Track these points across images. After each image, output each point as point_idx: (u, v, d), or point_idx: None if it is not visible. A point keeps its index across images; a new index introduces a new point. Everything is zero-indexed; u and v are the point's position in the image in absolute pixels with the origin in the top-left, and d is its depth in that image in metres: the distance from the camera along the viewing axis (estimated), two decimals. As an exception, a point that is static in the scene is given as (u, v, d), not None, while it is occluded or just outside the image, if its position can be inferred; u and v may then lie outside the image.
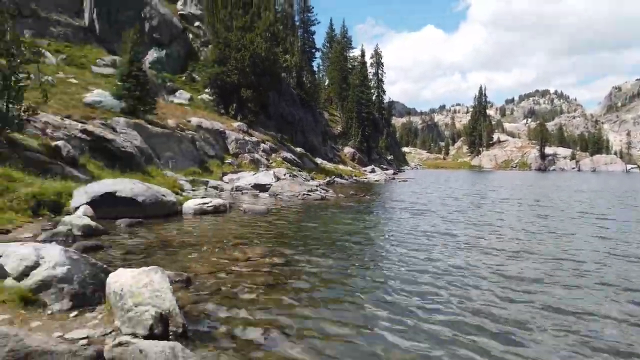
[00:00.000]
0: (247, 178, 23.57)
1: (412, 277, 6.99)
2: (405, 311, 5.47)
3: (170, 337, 4.02)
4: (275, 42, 36.65)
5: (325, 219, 13.71)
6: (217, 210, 13.70)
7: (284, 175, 24.82)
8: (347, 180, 36.51)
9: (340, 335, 4.72)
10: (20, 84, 15.23)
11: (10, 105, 14.93)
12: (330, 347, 4.44)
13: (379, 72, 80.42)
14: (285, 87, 44.15)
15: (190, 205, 13.66)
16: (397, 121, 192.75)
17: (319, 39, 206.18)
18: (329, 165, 42.79)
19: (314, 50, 66.51)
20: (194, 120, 28.73)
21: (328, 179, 32.90)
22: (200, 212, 13.34)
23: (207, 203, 13.87)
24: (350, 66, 71.93)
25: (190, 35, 42.99)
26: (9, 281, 4.86)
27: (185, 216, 13.04)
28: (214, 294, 5.72)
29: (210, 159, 27.08)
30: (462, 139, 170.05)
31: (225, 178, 24.54)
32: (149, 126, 23.70)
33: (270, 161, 31.40)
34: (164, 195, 13.19)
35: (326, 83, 77.87)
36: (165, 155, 23.64)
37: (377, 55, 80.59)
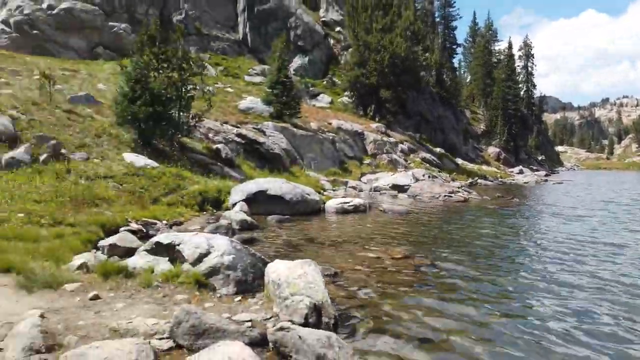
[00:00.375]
0: (385, 179, 23.62)
1: (565, 291, 6.26)
2: (556, 331, 4.88)
3: (322, 327, 4.23)
4: (415, 41, 36.14)
5: (469, 222, 13.11)
6: (357, 210, 13.99)
7: (423, 176, 24.32)
8: (491, 182, 34.38)
9: (485, 348, 4.45)
10: (189, 94, 17.40)
11: (181, 113, 17.16)
12: (477, 357, 4.23)
13: (529, 64, 74.12)
14: (424, 86, 43.27)
15: (332, 204, 14.18)
16: (550, 117, 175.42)
17: (461, 34, 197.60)
18: (470, 166, 40.79)
19: (455, 46, 64.01)
20: (334, 122, 29.73)
21: (470, 180, 31.37)
22: (342, 211, 13.76)
23: (348, 202, 14.25)
24: (495, 60, 67.59)
25: (331, 41, 44.61)
26: (186, 266, 5.59)
27: (327, 214, 13.56)
28: (360, 290, 5.86)
29: (349, 159, 27.78)
30: (630, 136, 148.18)
31: (364, 178, 24.92)
32: (294, 129, 25.21)
33: (409, 162, 31.05)
34: (308, 194, 13.90)
35: (468, 80, 74.35)
36: (308, 156, 24.88)
37: (526, 46, 74.40)
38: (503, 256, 8.51)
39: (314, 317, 4.29)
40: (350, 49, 39.55)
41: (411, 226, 11.73)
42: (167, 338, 3.94)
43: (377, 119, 35.28)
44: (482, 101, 65.79)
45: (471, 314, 5.25)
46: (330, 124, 29.31)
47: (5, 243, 6.66)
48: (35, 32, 29.17)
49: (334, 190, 19.52)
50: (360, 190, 21.11)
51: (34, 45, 28.82)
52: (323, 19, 46.04)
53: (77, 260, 6.14)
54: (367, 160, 28.75)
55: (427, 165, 31.62)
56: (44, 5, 30.12)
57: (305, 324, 4.12)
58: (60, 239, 7.22)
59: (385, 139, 31.80)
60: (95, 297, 4.92)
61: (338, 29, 45.31)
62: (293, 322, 4.16)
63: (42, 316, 4.15)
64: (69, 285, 5.20)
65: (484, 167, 43.40)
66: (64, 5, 30.67)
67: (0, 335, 3.91)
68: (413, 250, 8.50)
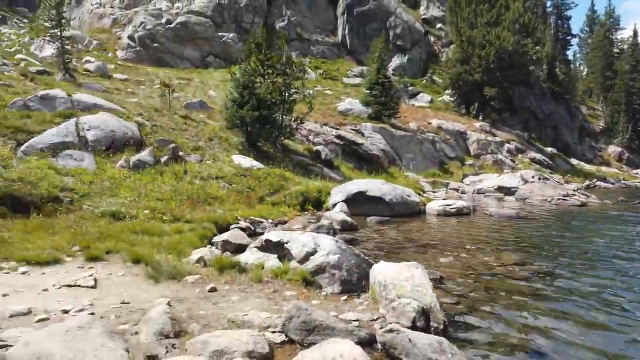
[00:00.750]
0: (490, 180, 22.47)
1: None
2: None
3: (430, 332, 4.14)
4: (524, 34, 33.81)
5: (587, 229, 11.98)
6: (460, 213, 13.48)
7: (533, 177, 22.71)
8: (612, 184, 31.09)
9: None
10: (292, 98, 18.06)
11: (284, 117, 17.86)
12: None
13: (658, 53, 65.63)
14: (534, 81, 40.34)
15: (433, 206, 13.81)
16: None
17: (576, 24, 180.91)
18: (587, 167, 37.24)
19: (569, 37, 58.71)
20: (434, 122, 28.95)
21: (587, 182, 28.68)
22: (444, 214, 13.34)
23: (451, 205, 13.77)
24: (617, 50, 60.89)
25: (432, 38, 43.45)
26: (293, 263, 5.81)
27: (428, 217, 13.23)
28: (467, 297, 5.63)
29: (450, 160, 26.87)
30: None
31: (466, 180, 23.96)
32: (392, 129, 24.99)
33: (516, 162, 29.20)
34: (408, 196, 13.69)
35: (584, 73, 67.91)
36: (406, 157, 24.51)
37: (655, 32, 66.02)
38: (628, 271, 7.62)
39: (422, 321, 4.21)
40: (452, 46, 38.21)
41: (521, 231, 11.00)
42: (279, 332, 4.13)
43: (480, 118, 33.67)
44: (601, 96, 59.60)
45: (588, 336, 4.72)
46: (430, 123, 28.60)
47: (135, 237, 7.46)
48: (155, 45, 32.19)
49: (434, 192, 19.03)
50: (463, 193, 20.30)
51: (155, 57, 31.85)
52: (423, 16, 44.99)
53: (196, 254, 6.66)
54: (469, 161, 27.57)
55: (537, 166, 29.48)
56: (163, 20, 33.13)
57: (413, 328, 4.06)
58: (180, 235, 7.90)
59: (489, 138, 30.26)
60: (213, 290, 5.30)
61: (439, 25, 44.00)
62: (400, 325, 4.13)
63: (169, 304, 4.57)
64: (190, 277, 5.66)
65: (604, 169, 39.34)
66: (180, 20, 33.48)
67: (135, 319, 4.38)
68: (523, 257, 7.96)
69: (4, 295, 4.83)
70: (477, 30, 32.72)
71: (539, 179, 22.70)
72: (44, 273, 5.69)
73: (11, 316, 4.25)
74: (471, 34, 32.92)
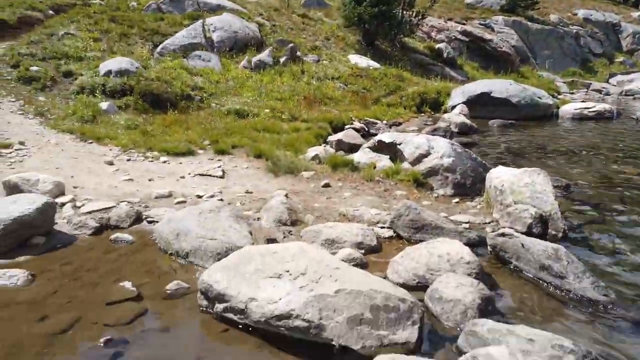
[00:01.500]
0: (643, 80, 19.32)
1: None
2: None
3: (547, 239, 3.92)
4: None
5: None
6: (600, 116, 12.01)
7: (703, 77, 19.03)
8: None
9: None
10: (413, -9, 16.69)
11: (404, 12, 16.71)
12: None
13: None
14: None
15: (568, 109, 12.47)
16: None
17: None
18: None
19: None
20: (581, 12, 25.03)
21: None
22: (579, 117, 12.00)
23: (589, 107, 12.30)
24: None
25: None
26: (405, 164, 5.77)
27: (561, 120, 12.03)
28: (597, 207, 5.16)
29: (595, 57, 23.45)
30: None
31: (613, 80, 20.95)
32: (528, 23, 22.20)
33: (683, 59, 24.49)
34: (539, 97, 12.46)
35: None
36: (543, 54, 21.89)
37: None
38: None
39: (539, 228, 4.00)
40: None
41: (675, 140, 9.52)
42: (387, 228, 4.25)
43: (641, 5, 28.27)
44: None
45: None
46: (575, 14, 24.82)
47: (256, 133, 7.94)
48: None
49: (571, 94, 17.11)
50: (607, 94, 17.89)
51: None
52: None
53: (311, 152, 6.92)
54: (620, 58, 23.79)
55: None
56: None
57: (528, 234, 3.88)
58: (297, 133, 8.21)
59: (650, 30, 25.48)
60: (326, 185, 5.54)
61: None
62: (514, 231, 3.97)
63: (286, 196, 4.91)
64: (305, 173, 5.96)
65: None
66: None
67: (257, 207, 4.80)
68: (674, 169, 6.96)
69: (150, 180, 5.57)
70: None
71: None
72: (180, 163, 6.40)
73: (156, 197, 4.93)
74: None
